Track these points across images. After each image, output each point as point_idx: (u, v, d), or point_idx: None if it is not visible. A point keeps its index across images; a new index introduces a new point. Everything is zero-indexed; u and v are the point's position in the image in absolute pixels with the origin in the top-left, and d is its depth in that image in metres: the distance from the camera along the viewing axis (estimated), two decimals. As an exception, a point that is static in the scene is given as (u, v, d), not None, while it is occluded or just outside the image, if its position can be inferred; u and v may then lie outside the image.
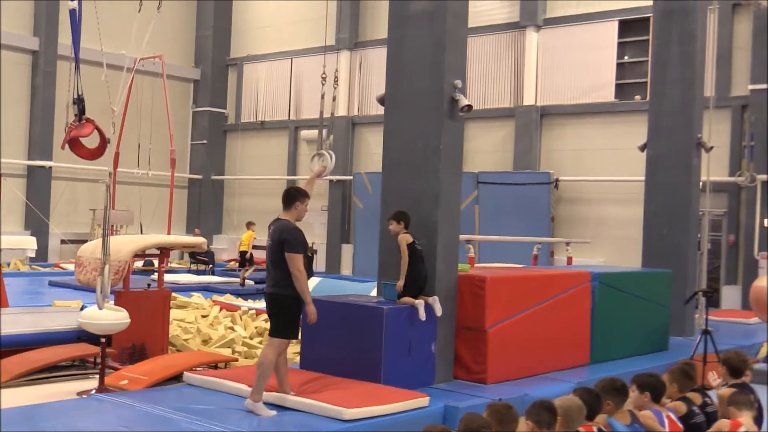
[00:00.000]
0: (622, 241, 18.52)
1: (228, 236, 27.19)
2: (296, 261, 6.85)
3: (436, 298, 8.17)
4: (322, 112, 9.47)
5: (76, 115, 6.82)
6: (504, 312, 8.68)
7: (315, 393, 7.15)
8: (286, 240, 6.86)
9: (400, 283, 7.98)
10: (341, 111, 24.94)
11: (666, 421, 5.59)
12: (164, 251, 9.87)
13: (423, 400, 7.29)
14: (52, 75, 23.98)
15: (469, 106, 8.40)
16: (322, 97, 9.34)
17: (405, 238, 8.00)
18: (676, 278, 11.99)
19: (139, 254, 10.55)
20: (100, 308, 7.37)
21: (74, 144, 6.92)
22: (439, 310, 8.14)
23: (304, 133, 25.93)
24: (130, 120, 22.54)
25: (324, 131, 8.76)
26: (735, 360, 6.75)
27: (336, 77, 8.94)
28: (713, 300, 18.12)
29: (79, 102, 6.86)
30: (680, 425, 5.72)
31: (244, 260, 19.55)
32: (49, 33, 23.95)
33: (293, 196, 7.07)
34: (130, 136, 22.80)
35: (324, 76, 8.96)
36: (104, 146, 7.02)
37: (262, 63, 27.57)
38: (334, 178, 24.77)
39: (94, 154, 7.03)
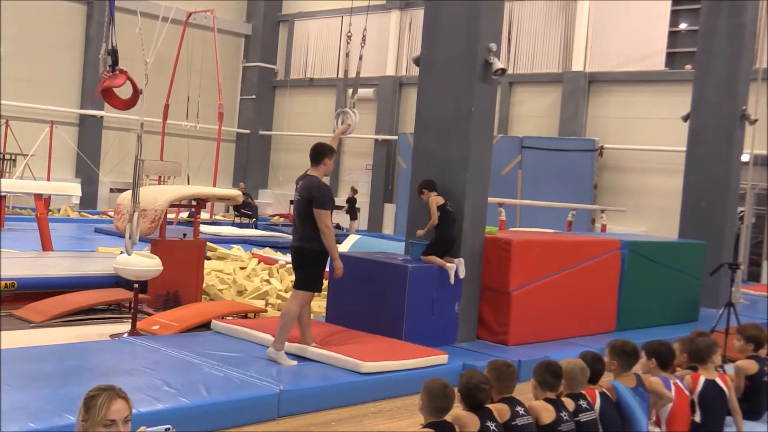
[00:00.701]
0: (666, 212, 18.37)
1: (273, 191, 27.52)
2: (324, 217, 6.98)
3: (461, 260, 8.29)
4: (346, 71, 9.58)
5: (109, 66, 7.02)
6: (529, 276, 8.76)
7: (335, 345, 7.34)
8: (315, 197, 6.98)
9: (421, 232, 8.28)
10: (389, 71, 24.98)
11: (673, 388, 5.63)
12: (200, 202, 10.11)
13: (441, 358, 7.46)
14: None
15: (503, 70, 8.42)
16: (347, 55, 9.42)
17: (436, 200, 8.24)
18: (711, 251, 11.91)
19: (183, 204, 10.82)
20: (129, 254, 7.63)
21: (107, 94, 7.13)
22: (463, 272, 8.26)
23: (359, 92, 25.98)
24: (181, 73, 22.84)
25: (350, 90, 8.85)
26: (751, 332, 6.78)
27: (364, 36, 9.00)
28: (754, 274, 17.98)
29: (113, 53, 7.05)
30: (687, 393, 5.78)
31: None
32: (105, -16, 24.27)
33: (322, 152, 7.17)
34: (181, 89, 23.12)
35: (350, 34, 9.02)
36: (137, 97, 7.21)
37: (313, 20, 27.64)
38: (380, 137, 24.89)
39: (127, 105, 7.22)
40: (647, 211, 19.77)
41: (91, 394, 3.48)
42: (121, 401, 3.49)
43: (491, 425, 4.49)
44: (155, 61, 8.02)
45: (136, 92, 7.23)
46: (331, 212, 7.12)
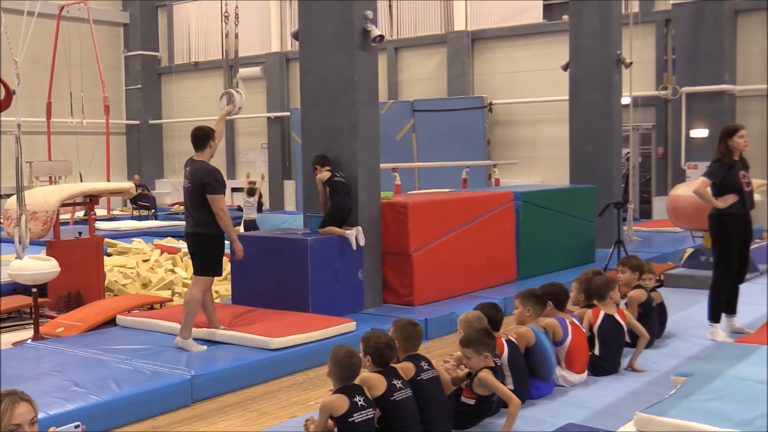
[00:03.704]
0: (558, 160, 18.82)
1: (170, 180, 27.10)
2: (219, 202, 6.98)
3: (359, 228, 8.42)
4: (226, 52, 9.55)
5: (-22, 69, 6.84)
6: (428, 236, 8.96)
7: (244, 326, 7.39)
8: (207, 183, 6.96)
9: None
10: (274, 47, 24.79)
11: (569, 327, 5.91)
12: (93, 199, 9.95)
13: (350, 325, 7.58)
14: (-24, 27, 23.43)
15: (381, 36, 8.53)
16: (226, 36, 9.38)
17: (320, 177, 8.46)
18: (601, 193, 12.35)
19: (77, 203, 10.62)
20: (20, 258, 7.48)
21: (-23, 98, 6.95)
22: (362, 240, 8.40)
23: (240, 72, 25.66)
24: (60, 69, 22.18)
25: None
26: (634, 262, 7.17)
27: (236, 14, 8.97)
28: (645, 211, 18.70)
29: (-20, 56, 6.87)
30: (583, 330, 6.07)
31: None
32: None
33: (205, 136, 7.13)
34: (62, 86, 22.45)
35: (226, 14, 8.99)
36: (10, 98, 7.05)
37: (191, 3, 27.14)
38: (272, 115, 24.75)
39: (1, 107, 7.05)
40: (541, 161, 20.26)
41: (-8, 401, 3.46)
42: (24, 404, 3.48)
43: (398, 383, 4.64)
44: (31, 59, 7.84)
45: (9, 93, 7.07)
46: (223, 194, 7.12)
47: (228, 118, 8.51)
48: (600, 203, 11.95)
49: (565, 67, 13.70)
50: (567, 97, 13.95)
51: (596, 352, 6.15)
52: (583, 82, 13.37)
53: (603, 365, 6.11)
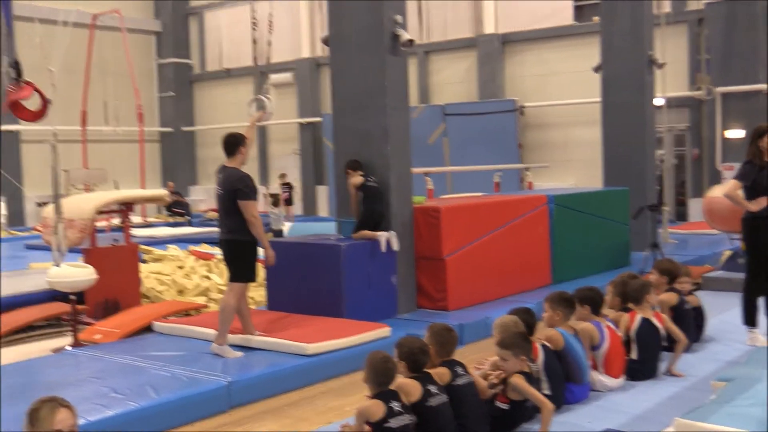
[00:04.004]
0: (590, 163, 18.71)
1: (204, 187, 27.29)
2: (251, 208, 7.02)
3: (393, 232, 8.42)
4: (255, 58, 9.61)
5: (14, 79, 6.92)
6: (461, 240, 8.94)
7: (279, 331, 7.42)
8: (239, 189, 7.00)
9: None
10: (305, 53, 24.90)
11: (606, 331, 5.87)
12: (128, 206, 10.04)
13: (384, 331, 7.58)
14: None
15: (411, 41, 8.54)
16: (255, 42, 9.42)
17: (353, 182, 8.44)
18: (635, 195, 12.22)
19: (113, 210, 10.73)
20: (57, 265, 7.57)
21: (16, 107, 7.03)
22: (396, 244, 8.39)
23: (272, 77, 25.82)
24: (95, 77, 22.45)
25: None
26: (665, 265, 7.09)
27: (270, 21, 9.00)
28: (681, 214, 18.53)
29: (15, 65, 6.96)
30: (619, 334, 6.02)
31: None
32: (4, -5, 23.61)
33: (235, 142, 7.16)
34: (96, 94, 22.73)
35: (255, 20, 9.03)
36: (46, 107, 7.14)
37: (222, 10, 27.36)
38: (304, 120, 24.85)
39: (37, 116, 7.15)
40: (573, 164, 20.15)
41: (34, 407, 3.52)
42: (64, 410, 3.54)
43: (433, 388, 4.64)
44: (66, 68, 7.92)
45: (45, 102, 7.16)
46: (255, 200, 7.14)
47: (259, 124, 8.53)
48: (634, 206, 11.85)
49: (596, 69, 13.61)
50: (599, 99, 13.84)
51: (633, 356, 6.10)
52: (614, 84, 13.26)
53: (640, 369, 6.05)
